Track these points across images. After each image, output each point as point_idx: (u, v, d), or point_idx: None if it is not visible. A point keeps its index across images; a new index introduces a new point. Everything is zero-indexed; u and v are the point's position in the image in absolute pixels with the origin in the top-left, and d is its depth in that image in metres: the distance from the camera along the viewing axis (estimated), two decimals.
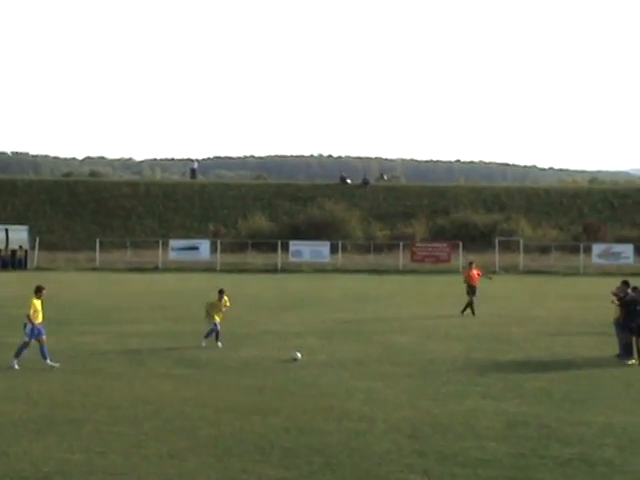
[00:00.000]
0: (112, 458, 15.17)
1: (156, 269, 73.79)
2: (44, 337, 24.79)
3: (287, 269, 73.27)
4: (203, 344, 28.76)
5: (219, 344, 28.71)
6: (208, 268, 73.52)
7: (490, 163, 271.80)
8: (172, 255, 77.09)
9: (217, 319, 29.22)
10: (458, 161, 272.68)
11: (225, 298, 29.81)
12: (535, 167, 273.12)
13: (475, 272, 40.88)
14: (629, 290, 27.55)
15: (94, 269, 72.65)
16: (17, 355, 24.64)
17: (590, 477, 14.30)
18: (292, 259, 76.17)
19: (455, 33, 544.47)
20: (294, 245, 77.27)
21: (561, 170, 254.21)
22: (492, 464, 14.91)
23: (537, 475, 14.34)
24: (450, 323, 36.30)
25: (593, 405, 20.03)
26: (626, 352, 26.61)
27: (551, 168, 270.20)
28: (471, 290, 39.90)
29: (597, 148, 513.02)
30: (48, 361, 24.58)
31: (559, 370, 24.95)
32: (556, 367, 25.49)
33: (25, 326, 24.72)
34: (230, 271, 71.26)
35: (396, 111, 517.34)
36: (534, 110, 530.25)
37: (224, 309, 29.83)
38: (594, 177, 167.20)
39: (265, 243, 78.79)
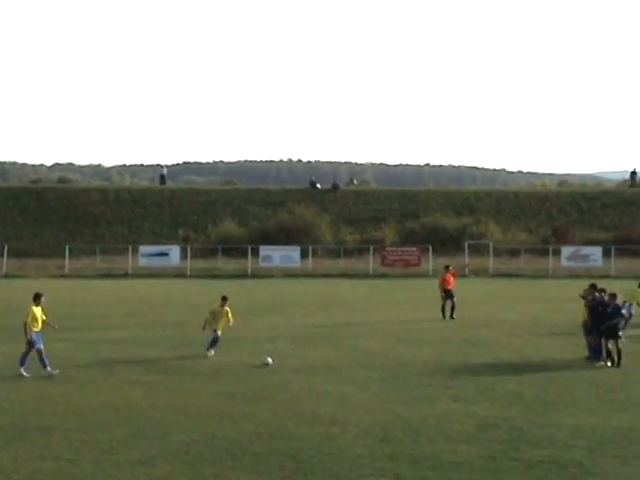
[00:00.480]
0: (83, 465, 15.12)
1: (126, 275, 73.51)
2: (41, 346, 24.65)
3: (257, 274, 73.19)
4: (209, 354, 27.83)
5: (211, 352, 27.91)
6: (178, 274, 73.31)
7: (459, 167, 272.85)
8: (142, 261, 76.78)
9: (219, 327, 28.31)
10: (427, 165, 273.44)
11: (227, 308, 28.70)
12: (504, 170, 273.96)
13: (450, 275, 40.87)
14: (597, 293, 27.78)
15: (63, 276, 72.27)
16: (43, 365, 24.47)
17: (560, 479, 14.38)
18: (262, 264, 76.04)
19: (422, 40, 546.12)
20: (264, 250, 77.17)
21: (530, 173, 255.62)
22: (463, 467, 14.97)
23: (508, 478, 14.40)
24: (421, 327, 36.37)
25: (563, 407, 20.14)
26: (595, 354, 26.79)
27: (520, 171, 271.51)
28: (447, 294, 39.90)
29: (566, 152, 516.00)
30: (22, 369, 24.44)
31: (529, 373, 25.07)
32: (526, 370, 25.60)
33: (26, 334, 24.51)
34: (200, 277, 71.08)
35: (365, 116, 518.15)
36: (503, 114, 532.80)
37: (225, 319, 28.58)
38: (563, 180, 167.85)
39: (235, 248, 78.63)
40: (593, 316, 26.87)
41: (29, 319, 24.47)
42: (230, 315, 28.63)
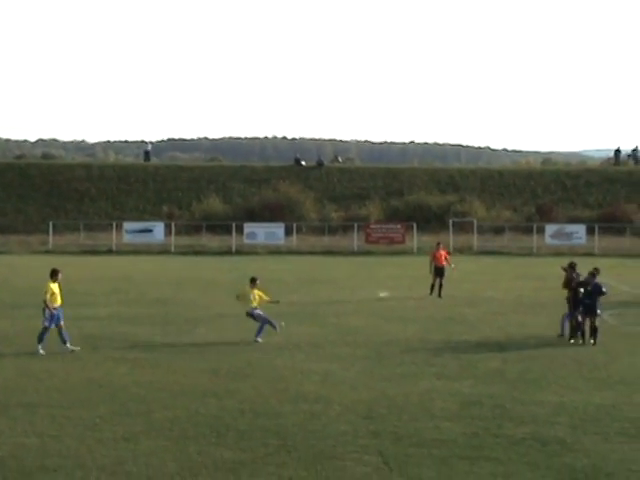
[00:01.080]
0: (66, 442, 15.12)
1: (110, 252, 73.38)
2: (62, 322, 24.60)
3: (242, 251, 73.12)
4: (259, 340, 26.48)
5: (258, 339, 26.50)
6: (162, 251, 73.21)
7: (444, 144, 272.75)
8: (126, 238, 76.66)
9: (257, 305, 26.96)
10: (412, 142, 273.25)
11: (256, 291, 27.21)
12: (488, 148, 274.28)
13: (442, 253, 40.87)
14: (576, 272, 27.90)
15: (47, 252, 72.01)
16: (40, 340, 24.36)
17: (543, 455, 14.46)
18: (247, 241, 75.99)
19: (406, 19, 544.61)
20: (249, 227, 77.11)
21: (514, 151, 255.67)
22: (446, 444, 15.03)
23: (491, 454, 14.47)
24: (405, 305, 36.45)
25: (546, 385, 20.24)
26: (573, 331, 26.88)
27: (504, 149, 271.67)
28: (437, 271, 39.86)
29: (550, 129, 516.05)
30: (68, 345, 24.36)
31: (513, 350, 25.16)
32: (510, 347, 25.70)
33: (44, 311, 24.44)
34: (184, 253, 71.04)
35: (350, 93, 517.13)
36: (487, 91, 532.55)
37: (260, 299, 27.15)
38: (547, 158, 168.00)
39: (219, 225, 78.55)
40: (574, 295, 26.98)
41: (48, 296, 24.38)
42: (264, 296, 27.47)
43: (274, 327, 26.82)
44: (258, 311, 27.07)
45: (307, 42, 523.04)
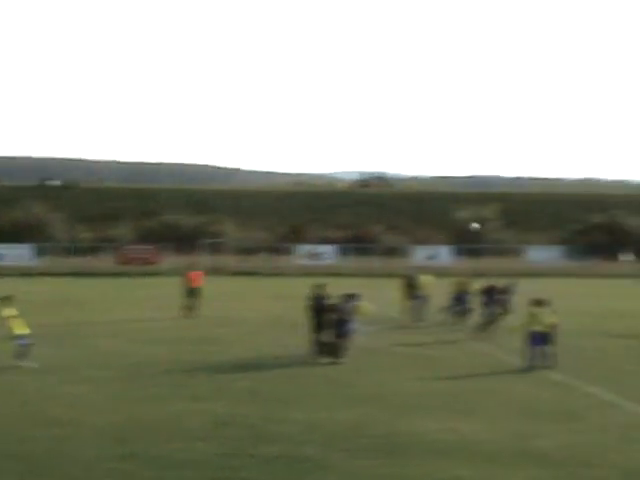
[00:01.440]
0: None
1: None
2: None
3: None
4: (24, 364, 25.25)
5: (28, 364, 25.30)
6: None
7: (193, 165, 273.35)
8: None
9: (22, 331, 25.83)
10: (162, 163, 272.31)
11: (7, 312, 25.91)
12: (239, 170, 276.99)
13: (196, 274, 41.03)
14: (323, 294, 28.52)
15: None
16: None
17: (294, 474, 14.70)
18: None
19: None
20: None
21: (267, 173, 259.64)
22: (199, 465, 15.05)
23: (244, 474, 14.59)
24: (157, 326, 36.24)
25: (298, 403, 20.57)
26: (321, 351, 27.38)
27: (256, 171, 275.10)
28: (192, 292, 39.98)
29: (301, 152, 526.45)
30: None
31: (266, 370, 25.46)
32: (263, 367, 25.98)
33: None
34: None
35: (101, 112, 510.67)
36: (229, 112, 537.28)
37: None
38: (298, 180, 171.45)
39: None
40: (320, 315, 27.55)
41: None
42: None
43: (21, 360, 25.53)
44: (26, 341, 25.82)
45: (48, 64, 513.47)
